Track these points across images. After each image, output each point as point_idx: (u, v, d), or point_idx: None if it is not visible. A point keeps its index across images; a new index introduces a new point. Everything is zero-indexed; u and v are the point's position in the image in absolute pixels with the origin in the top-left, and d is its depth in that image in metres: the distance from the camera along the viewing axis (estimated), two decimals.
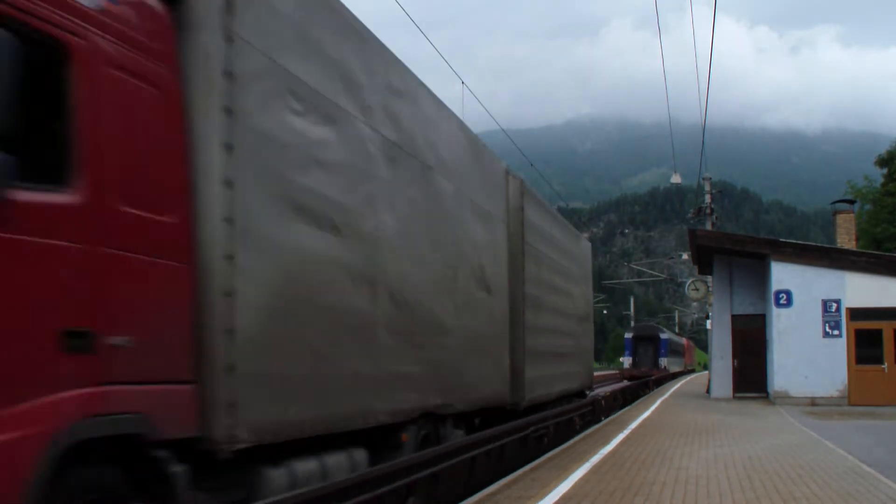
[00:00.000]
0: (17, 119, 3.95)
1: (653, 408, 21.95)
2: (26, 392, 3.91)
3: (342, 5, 7.40)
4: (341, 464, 6.83)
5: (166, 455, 4.77)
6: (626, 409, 22.06)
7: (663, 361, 50.64)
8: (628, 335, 53.54)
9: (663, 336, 52.59)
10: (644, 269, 78.31)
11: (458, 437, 9.86)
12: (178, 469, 4.81)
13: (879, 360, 22.02)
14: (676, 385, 40.92)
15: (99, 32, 4.58)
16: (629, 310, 76.64)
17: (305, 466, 6.27)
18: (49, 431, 3.97)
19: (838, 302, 22.35)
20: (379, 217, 7.77)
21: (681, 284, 58.91)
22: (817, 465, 10.39)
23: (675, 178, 39.04)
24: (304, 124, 6.44)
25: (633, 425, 16.29)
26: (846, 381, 22.05)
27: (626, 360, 50.19)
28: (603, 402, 19.45)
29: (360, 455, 7.30)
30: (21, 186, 3.99)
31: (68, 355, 4.18)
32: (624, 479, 9.12)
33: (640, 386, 32.53)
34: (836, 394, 21.97)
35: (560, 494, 8.14)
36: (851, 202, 32.20)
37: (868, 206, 43.52)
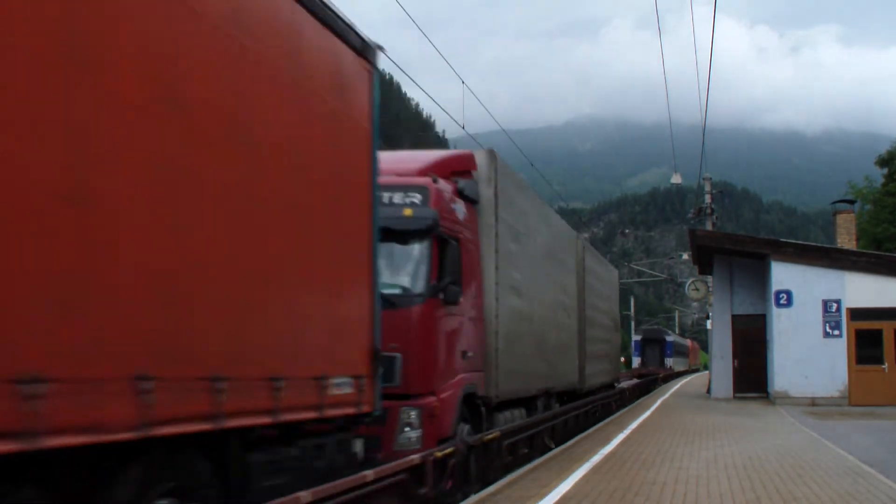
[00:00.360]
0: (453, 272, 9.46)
1: (653, 408, 21.96)
2: (454, 375, 9.55)
3: (524, 183, 13.77)
4: (519, 414, 12.59)
5: (480, 402, 10.44)
6: (643, 398, 27.29)
7: (669, 361, 54.73)
8: (637, 338, 57.78)
9: (668, 339, 56.76)
10: (644, 270, 78.28)
11: (555, 406, 15.35)
12: (482, 406, 10.52)
13: (880, 361, 22.02)
14: (677, 385, 40.93)
15: (463, 225, 10.17)
16: (629, 310, 76.67)
17: (511, 413, 12.06)
18: (459, 391, 9.57)
19: (838, 302, 22.37)
20: (537, 285, 13.90)
21: (681, 284, 58.88)
22: (818, 465, 10.40)
23: (676, 179, 39.05)
24: (513, 246, 12.18)
25: (634, 425, 16.29)
26: (846, 382, 22.06)
27: (636, 360, 53.84)
28: (627, 392, 26.65)
29: (522, 411, 12.87)
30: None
31: (462, 360, 9.82)
32: (624, 480, 9.13)
33: (651, 382, 37.42)
34: (836, 394, 21.97)
35: (560, 494, 8.15)
36: (852, 202, 32.22)
37: (868, 207, 43.51)
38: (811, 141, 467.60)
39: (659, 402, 25.15)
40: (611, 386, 24.07)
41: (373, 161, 7.43)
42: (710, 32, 16.95)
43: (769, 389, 24.00)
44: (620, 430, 15.22)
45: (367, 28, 8.07)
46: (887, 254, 26.89)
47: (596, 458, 10.92)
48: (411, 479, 7.30)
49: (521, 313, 12.49)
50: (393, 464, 7.12)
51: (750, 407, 21.73)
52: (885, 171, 42.00)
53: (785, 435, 14.49)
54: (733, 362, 26.20)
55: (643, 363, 54.11)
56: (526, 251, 13.00)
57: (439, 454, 7.93)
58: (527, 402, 13.19)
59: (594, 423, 17.19)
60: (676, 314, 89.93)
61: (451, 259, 9.34)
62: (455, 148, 12.88)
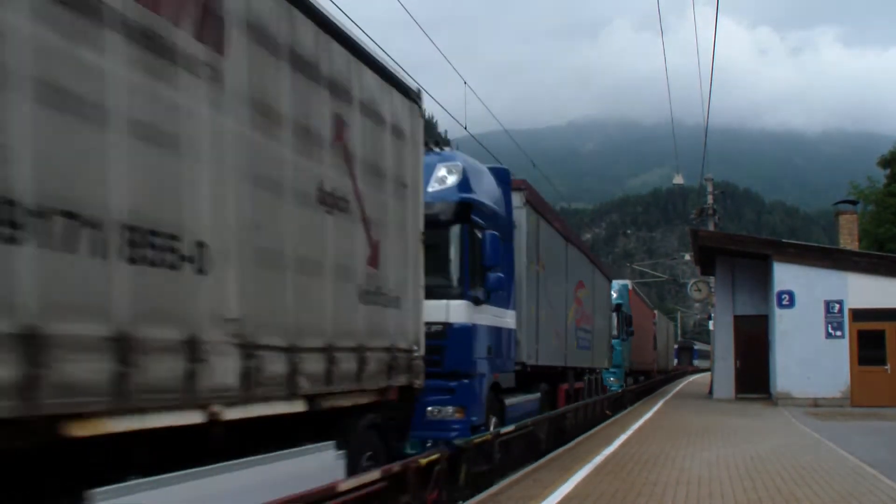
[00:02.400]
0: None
1: (655, 408, 21.95)
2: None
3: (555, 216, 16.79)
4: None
5: (520, 367, 12.79)
6: (644, 398, 28.64)
7: (695, 362, 77.31)
8: (675, 346, 74.88)
9: (695, 347, 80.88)
10: (646, 270, 78.20)
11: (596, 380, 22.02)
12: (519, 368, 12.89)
13: (882, 361, 21.99)
14: (678, 386, 40.90)
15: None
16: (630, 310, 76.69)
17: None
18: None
19: (841, 303, 22.34)
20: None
21: (683, 285, 59.16)
22: (819, 465, 10.39)
23: (678, 179, 39.08)
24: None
25: (636, 426, 16.29)
26: (849, 382, 22.03)
27: (674, 361, 70.71)
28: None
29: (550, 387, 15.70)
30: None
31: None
32: (626, 480, 9.13)
33: (670, 378, 51.41)
34: (838, 395, 21.95)
35: (562, 495, 8.15)
36: (854, 203, 32.16)
37: (870, 207, 43.46)
38: (813, 141, 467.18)
39: (661, 402, 25.14)
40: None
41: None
42: (711, 33, 16.95)
43: (771, 390, 23.97)
44: (622, 430, 15.22)
45: (370, 28, 8.07)
46: (889, 254, 26.86)
47: (598, 459, 10.92)
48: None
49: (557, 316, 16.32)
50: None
51: (752, 408, 21.72)
52: (888, 171, 41.95)
53: (787, 436, 14.48)
54: (735, 363, 26.19)
55: (679, 363, 72.77)
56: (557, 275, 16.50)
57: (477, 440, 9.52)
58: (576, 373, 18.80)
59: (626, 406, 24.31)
60: (678, 315, 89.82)
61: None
62: (456, 148, 11.90)
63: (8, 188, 3.58)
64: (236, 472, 5.24)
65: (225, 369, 5.09)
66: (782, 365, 22.58)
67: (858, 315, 22.23)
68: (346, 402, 6.90)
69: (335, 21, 6.86)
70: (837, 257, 23.30)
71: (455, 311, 10.26)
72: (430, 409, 10.00)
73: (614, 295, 27.84)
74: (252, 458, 5.48)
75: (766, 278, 24.50)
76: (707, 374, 38.66)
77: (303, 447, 6.20)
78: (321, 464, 6.39)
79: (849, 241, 27.19)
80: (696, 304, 75.31)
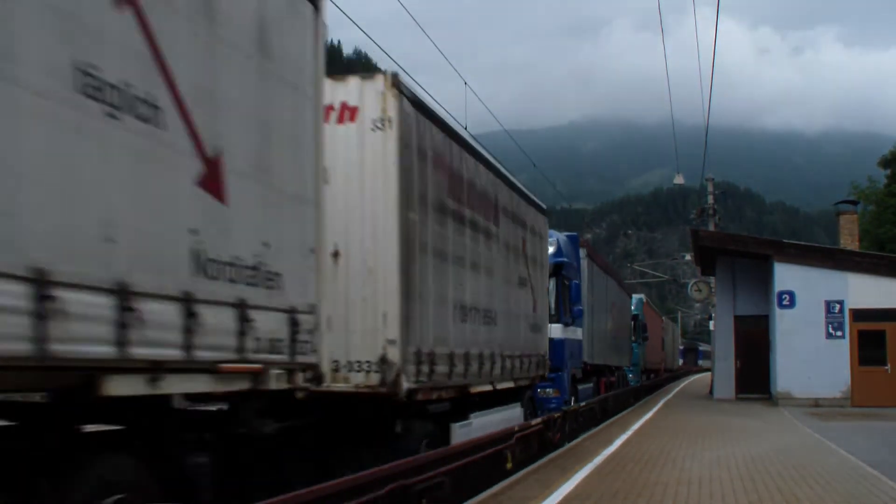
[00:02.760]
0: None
1: (655, 408, 21.96)
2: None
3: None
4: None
5: (583, 365, 19.88)
6: (645, 398, 28.98)
7: (700, 362, 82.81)
8: (681, 348, 79.80)
9: (700, 348, 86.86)
10: (647, 270, 78.09)
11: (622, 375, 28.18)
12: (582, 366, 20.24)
13: (883, 362, 21.99)
14: (679, 386, 40.91)
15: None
16: (644, 319, 76.93)
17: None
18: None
19: (841, 303, 22.34)
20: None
21: (684, 285, 59.18)
22: (820, 466, 10.39)
23: (678, 179, 39.03)
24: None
25: (637, 426, 16.29)
26: (849, 383, 22.02)
27: (680, 361, 75.73)
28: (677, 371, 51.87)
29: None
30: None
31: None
32: (627, 480, 9.13)
33: (687, 372, 63.20)
34: (839, 395, 21.94)
35: (563, 495, 8.15)
36: (854, 203, 32.17)
37: (871, 207, 43.48)
38: (813, 141, 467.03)
39: (662, 402, 25.14)
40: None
41: None
42: (711, 33, 16.95)
43: (772, 390, 23.97)
44: (623, 430, 15.22)
45: (371, 29, 8.06)
46: (890, 255, 26.86)
47: (598, 459, 10.92)
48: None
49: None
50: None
51: (752, 408, 21.71)
52: (888, 171, 41.96)
53: (787, 436, 14.48)
54: (736, 363, 26.18)
55: (685, 363, 79.24)
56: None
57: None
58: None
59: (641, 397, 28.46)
60: (679, 315, 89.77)
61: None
62: None
63: (464, 303, 9.92)
64: (495, 414, 11.25)
65: (500, 368, 11.38)
66: (783, 365, 22.58)
67: (859, 315, 22.23)
68: (524, 383, 13.28)
69: (525, 191, 13.56)
70: (838, 257, 23.30)
71: (555, 330, 16.11)
72: (538, 390, 15.45)
73: (633, 307, 33.64)
74: (498, 408, 11.53)
75: (766, 278, 24.50)
76: (709, 374, 39.18)
77: (511, 405, 12.29)
78: (517, 414, 12.62)
79: (849, 241, 27.19)
80: (697, 305, 75.29)
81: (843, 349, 22.17)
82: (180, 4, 4.85)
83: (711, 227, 32.71)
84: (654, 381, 39.59)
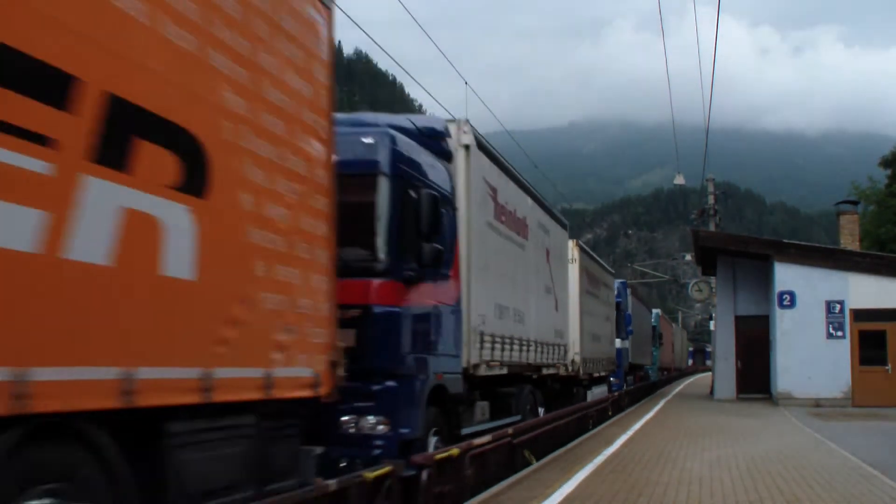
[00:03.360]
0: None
1: (656, 409, 21.96)
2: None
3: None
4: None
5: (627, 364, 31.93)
6: (646, 398, 29.52)
7: (708, 362, 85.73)
8: (690, 349, 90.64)
9: (707, 349, 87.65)
10: (647, 270, 78.12)
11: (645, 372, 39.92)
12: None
13: (883, 362, 21.99)
14: (680, 386, 40.92)
15: None
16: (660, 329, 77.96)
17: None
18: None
19: (842, 303, 22.34)
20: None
21: (684, 285, 59.38)
22: (821, 466, 10.39)
23: (679, 180, 39.05)
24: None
25: (637, 426, 16.29)
26: (850, 383, 22.03)
27: (689, 361, 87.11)
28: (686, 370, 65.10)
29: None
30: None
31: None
32: (627, 480, 9.13)
33: (695, 370, 69.12)
34: (839, 395, 21.95)
35: (564, 495, 8.15)
36: (855, 203, 32.16)
37: (872, 208, 43.44)
38: (814, 141, 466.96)
39: (662, 402, 25.14)
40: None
41: None
42: (711, 33, 16.95)
43: (772, 390, 23.97)
44: (623, 430, 15.22)
45: (371, 28, 8.07)
46: (891, 255, 26.85)
47: (599, 459, 10.92)
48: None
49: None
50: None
51: (753, 408, 21.71)
52: (889, 171, 41.91)
53: (788, 436, 14.48)
54: (736, 363, 26.18)
55: (693, 363, 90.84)
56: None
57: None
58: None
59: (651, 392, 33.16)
60: (679, 315, 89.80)
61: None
62: None
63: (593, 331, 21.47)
64: (599, 388, 22.40)
65: (600, 364, 22.21)
66: (783, 365, 22.58)
67: (859, 315, 22.23)
68: (605, 373, 23.15)
69: (551, 208, 16.52)
70: (838, 258, 23.30)
71: (617, 343, 24.23)
72: (612, 378, 25.10)
73: (652, 320, 42.85)
74: (599, 385, 22.46)
75: (767, 278, 24.50)
76: (710, 374, 40.10)
77: (602, 385, 23.06)
78: (605, 389, 23.00)
79: (850, 241, 27.19)
80: (698, 305, 75.69)
81: (843, 349, 22.17)
82: (553, 254, 15.76)
83: (712, 228, 32.72)
84: (668, 377, 51.53)
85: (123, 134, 4.23)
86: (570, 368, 17.55)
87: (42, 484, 3.74)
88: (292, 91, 6.00)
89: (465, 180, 9.88)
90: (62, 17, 3.85)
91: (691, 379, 54.43)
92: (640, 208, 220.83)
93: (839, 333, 22.28)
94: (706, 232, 29.74)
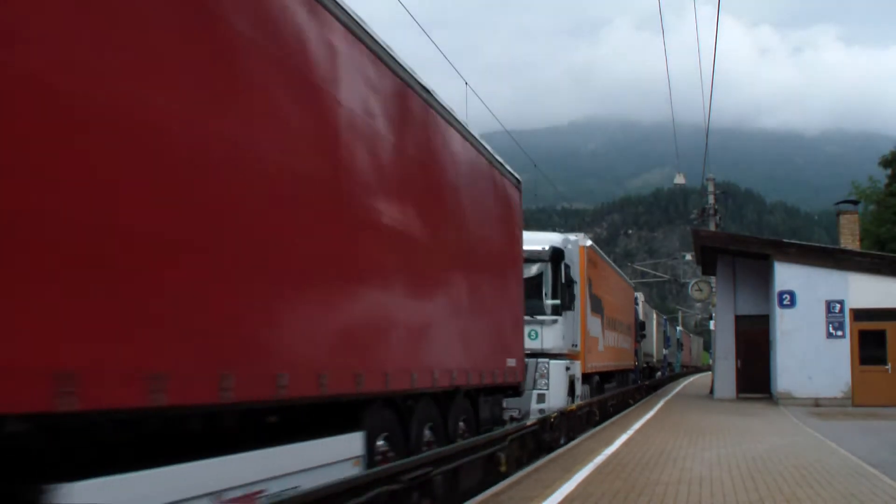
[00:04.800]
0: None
1: (656, 408, 21.94)
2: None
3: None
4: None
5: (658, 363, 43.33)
6: (646, 398, 29.25)
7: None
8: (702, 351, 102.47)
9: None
10: (647, 270, 78.05)
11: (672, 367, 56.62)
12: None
13: (883, 361, 21.99)
14: (680, 386, 40.92)
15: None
16: (681, 337, 78.93)
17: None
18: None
19: (842, 303, 22.34)
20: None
21: (684, 285, 59.34)
22: (821, 465, 10.38)
23: (679, 179, 39.08)
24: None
25: (637, 425, 16.28)
26: (850, 382, 22.02)
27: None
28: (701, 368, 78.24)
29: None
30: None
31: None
32: (627, 480, 9.12)
33: (709, 368, 67.18)
34: (839, 394, 21.95)
35: (564, 495, 8.15)
36: (855, 203, 32.15)
37: (872, 207, 43.44)
38: (813, 141, 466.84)
39: (662, 402, 25.13)
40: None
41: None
42: (711, 32, 16.95)
43: (772, 390, 23.97)
44: (624, 430, 15.21)
45: (371, 27, 8.06)
46: (891, 254, 26.84)
47: (599, 459, 10.91)
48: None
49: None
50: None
51: (753, 407, 21.71)
52: (889, 171, 41.91)
53: (788, 435, 14.47)
54: (736, 363, 26.19)
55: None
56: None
57: None
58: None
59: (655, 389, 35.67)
60: (680, 315, 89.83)
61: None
62: None
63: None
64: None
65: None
66: (783, 365, 22.58)
67: (859, 315, 22.23)
68: (630, 368, 29.33)
69: (625, 278, 29.64)
70: (839, 257, 23.29)
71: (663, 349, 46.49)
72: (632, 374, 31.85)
73: (677, 334, 61.81)
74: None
75: (767, 278, 24.50)
76: (710, 374, 40.75)
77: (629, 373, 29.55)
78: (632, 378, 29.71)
79: (850, 240, 27.17)
80: (698, 304, 75.94)
81: (843, 349, 22.17)
82: (628, 304, 28.73)
83: (712, 227, 32.72)
84: (685, 372, 69.73)
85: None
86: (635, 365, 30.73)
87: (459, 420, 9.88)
88: (510, 235, 12.12)
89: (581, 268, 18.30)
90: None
91: (691, 379, 55.73)
92: (640, 208, 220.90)
93: (839, 333, 22.27)
94: (706, 231, 29.74)
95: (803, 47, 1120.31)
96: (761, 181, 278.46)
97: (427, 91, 8.46)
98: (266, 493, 5.09)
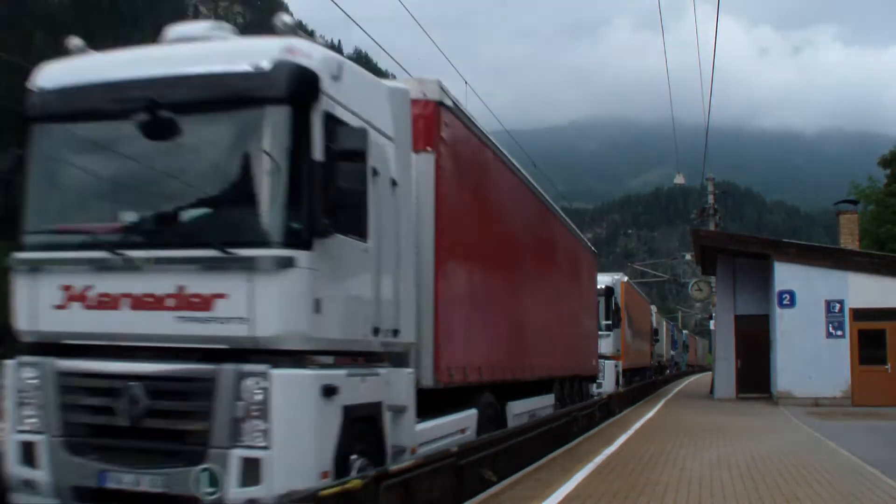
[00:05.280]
0: None
1: (656, 408, 21.95)
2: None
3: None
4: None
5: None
6: (646, 398, 28.77)
7: None
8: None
9: None
10: (647, 270, 77.96)
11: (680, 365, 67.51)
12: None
13: (883, 361, 21.98)
14: (679, 385, 40.93)
15: None
16: (688, 341, 79.64)
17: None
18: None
19: (841, 302, 22.32)
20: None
21: (684, 285, 59.44)
22: (821, 465, 10.39)
23: (679, 179, 39.10)
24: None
25: (637, 425, 16.29)
26: (849, 382, 22.01)
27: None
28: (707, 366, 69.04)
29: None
30: None
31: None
32: (627, 480, 9.12)
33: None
34: (839, 394, 21.93)
35: (564, 495, 8.15)
36: (855, 203, 32.16)
37: (871, 207, 43.42)
38: (813, 140, 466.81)
39: (662, 402, 25.13)
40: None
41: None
42: (710, 32, 16.97)
43: (772, 390, 23.96)
44: (623, 430, 15.21)
45: (371, 27, 8.07)
46: (890, 254, 26.84)
47: (599, 459, 10.92)
48: None
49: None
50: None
51: (753, 407, 21.71)
52: (888, 171, 41.90)
53: (788, 435, 14.48)
54: (736, 362, 26.17)
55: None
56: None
57: None
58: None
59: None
60: (679, 314, 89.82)
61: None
62: None
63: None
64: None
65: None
66: (783, 364, 22.57)
67: (859, 315, 22.21)
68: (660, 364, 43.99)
69: (645, 297, 36.14)
70: (838, 257, 23.28)
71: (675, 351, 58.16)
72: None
73: (684, 338, 69.48)
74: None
75: (767, 278, 24.49)
76: (710, 374, 41.21)
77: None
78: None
79: (850, 240, 27.16)
80: (697, 304, 76.08)
81: (843, 348, 22.16)
82: (639, 307, 33.31)
83: (712, 227, 32.72)
84: (690, 371, 71.18)
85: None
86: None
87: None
88: (592, 283, 20.68)
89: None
90: None
91: (691, 378, 55.55)
92: (640, 207, 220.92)
93: (839, 333, 22.26)
94: (706, 231, 29.74)
95: (803, 47, 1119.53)
96: (761, 181, 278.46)
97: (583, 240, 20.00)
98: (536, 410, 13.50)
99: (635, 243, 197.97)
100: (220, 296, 5.93)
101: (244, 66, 6.13)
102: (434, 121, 8.54)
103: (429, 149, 8.42)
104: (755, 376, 25.51)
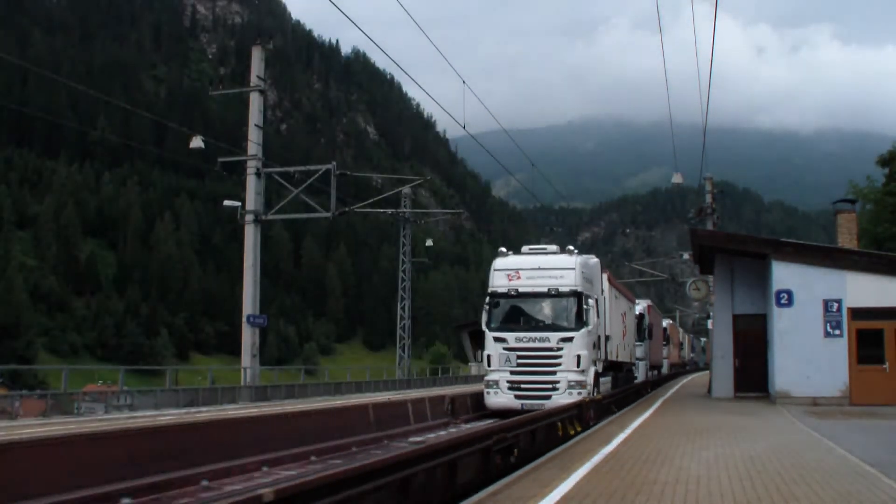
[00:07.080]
0: None
1: (654, 408, 21.95)
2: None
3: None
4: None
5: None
6: (645, 398, 29.76)
7: None
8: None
9: None
10: (645, 269, 78.10)
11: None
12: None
13: (881, 360, 21.98)
14: (678, 385, 40.95)
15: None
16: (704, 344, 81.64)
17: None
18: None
19: (839, 302, 22.33)
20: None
21: (682, 284, 59.44)
22: (819, 464, 10.39)
23: (677, 178, 39.04)
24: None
25: (634, 425, 16.28)
26: (847, 381, 22.02)
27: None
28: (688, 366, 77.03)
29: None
30: None
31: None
32: (625, 479, 9.12)
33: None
34: (837, 394, 21.94)
35: (562, 494, 8.15)
36: (853, 202, 32.16)
37: (869, 206, 43.45)
38: (811, 140, 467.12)
39: (660, 401, 25.14)
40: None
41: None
42: (707, 31, 16.97)
43: (770, 389, 23.98)
44: (621, 429, 15.21)
45: (369, 27, 8.07)
46: (888, 253, 26.86)
47: (597, 458, 10.91)
48: None
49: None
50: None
51: (751, 407, 21.71)
52: (887, 170, 41.92)
53: (786, 435, 14.48)
54: (734, 362, 26.17)
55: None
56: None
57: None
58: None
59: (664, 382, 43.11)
60: (677, 314, 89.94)
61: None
62: (456, 147, 11.97)
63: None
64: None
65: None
66: (781, 364, 22.59)
67: (857, 314, 22.22)
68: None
69: (628, 294, 35.88)
70: (836, 256, 23.30)
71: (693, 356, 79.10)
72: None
73: (702, 344, 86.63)
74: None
75: (765, 277, 24.51)
76: (708, 373, 41.66)
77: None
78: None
79: (848, 239, 27.17)
80: (695, 304, 75.87)
81: (841, 348, 22.16)
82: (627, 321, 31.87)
83: (710, 226, 32.75)
84: (702, 367, 74.61)
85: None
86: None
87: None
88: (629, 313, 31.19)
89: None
90: None
91: (689, 378, 55.87)
92: (638, 207, 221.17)
93: (837, 332, 22.27)
94: (704, 231, 29.77)
95: (800, 46, 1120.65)
96: (759, 180, 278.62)
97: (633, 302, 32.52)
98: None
99: (633, 242, 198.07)
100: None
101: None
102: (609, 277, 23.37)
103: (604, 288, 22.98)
104: (753, 376, 25.51)
